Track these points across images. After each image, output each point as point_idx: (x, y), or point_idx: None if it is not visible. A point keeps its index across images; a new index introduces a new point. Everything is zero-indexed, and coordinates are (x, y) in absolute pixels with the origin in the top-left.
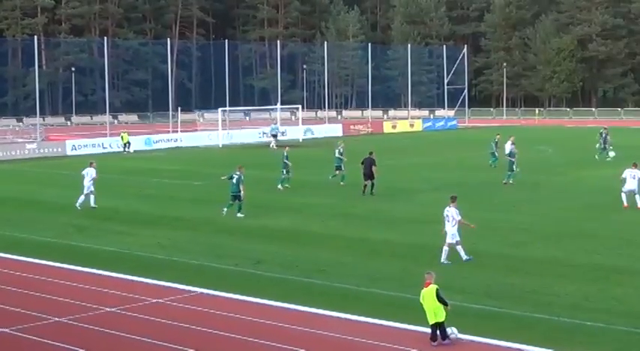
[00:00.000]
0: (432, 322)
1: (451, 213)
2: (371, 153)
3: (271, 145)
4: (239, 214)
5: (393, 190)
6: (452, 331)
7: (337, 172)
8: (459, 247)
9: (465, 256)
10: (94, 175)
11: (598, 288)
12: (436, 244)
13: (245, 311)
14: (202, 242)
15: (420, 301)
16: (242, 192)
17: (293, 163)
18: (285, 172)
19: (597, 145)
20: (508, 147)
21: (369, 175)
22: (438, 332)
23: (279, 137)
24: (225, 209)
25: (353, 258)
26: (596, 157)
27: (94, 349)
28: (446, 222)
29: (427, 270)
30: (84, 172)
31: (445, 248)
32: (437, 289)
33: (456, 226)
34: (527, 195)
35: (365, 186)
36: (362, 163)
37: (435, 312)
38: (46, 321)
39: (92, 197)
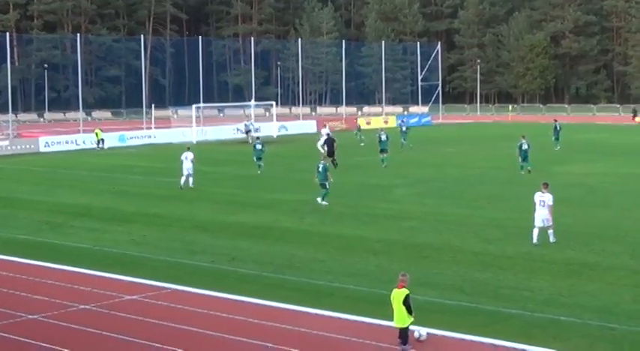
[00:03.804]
0: (397, 325)
1: (546, 198)
2: (328, 134)
3: (250, 140)
4: (323, 202)
5: (368, 186)
6: (420, 333)
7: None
8: (552, 231)
9: (552, 239)
10: (192, 157)
11: (571, 283)
12: (410, 240)
13: (219, 308)
14: (177, 239)
15: (390, 299)
16: (328, 180)
17: (266, 160)
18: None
19: (553, 138)
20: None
21: (332, 152)
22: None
23: (253, 133)
24: (324, 201)
25: (327, 254)
26: (556, 149)
27: (68, 347)
28: (539, 207)
29: (402, 269)
30: (183, 157)
31: (550, 231)
32: (407, 295)
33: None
34: (500, 191)
35: (333, 161)
36: (325, 143)
37: (401, 316)
38: (20, 319)
39: (191, 179)
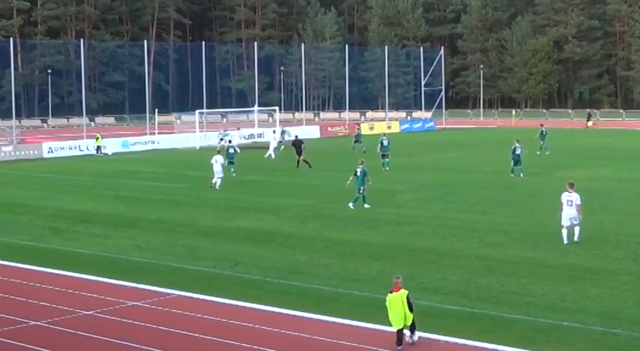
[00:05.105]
0: (399, 327)
1: (574, 197)
2: (297, 136)
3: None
4: (350, 205)
5: (371, 191)
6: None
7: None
8: (578, 228)
9: (577, 238)
10: (222, 160)
11: (574, 288)
12: (414, 245)
13: (222, 313)
14: (180, 244)
15: (386, 305)
16: (366, 184)
17: (270, 165)
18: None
19: (540, 142)
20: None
21: (299, 153)
22: (405, 333)
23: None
24: (366, 204)
25: (331, 259)
26: (538, 152)
27: None
28: (567, 206)
29: (406, 274)
30: (213, 160)
31: (578, 229)
32: (407, 295)
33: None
34: (503, 196)
35: (298, 161)
36: (293, 145)
37: (406, 316)
38: (22, 325)
39: (219, 181)
